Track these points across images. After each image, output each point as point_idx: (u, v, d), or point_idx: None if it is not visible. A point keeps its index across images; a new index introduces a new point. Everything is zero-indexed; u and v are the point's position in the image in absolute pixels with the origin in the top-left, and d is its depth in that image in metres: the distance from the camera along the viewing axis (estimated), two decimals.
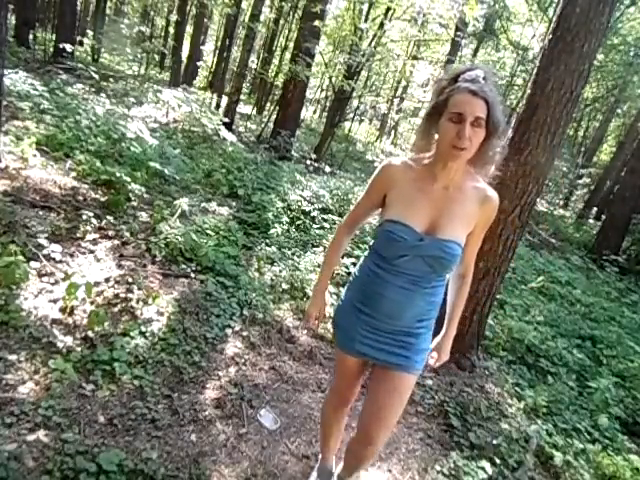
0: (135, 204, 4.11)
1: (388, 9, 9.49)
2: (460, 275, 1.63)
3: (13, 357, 2.11)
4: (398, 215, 1.44)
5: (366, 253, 1.61)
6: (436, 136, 1.40)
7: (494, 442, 2.51)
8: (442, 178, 1.43)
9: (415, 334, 1.53)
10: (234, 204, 5.14)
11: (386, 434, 1.61)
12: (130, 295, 2.78)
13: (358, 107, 13.58)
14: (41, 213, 3.31)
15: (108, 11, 17.13)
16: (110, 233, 3.43)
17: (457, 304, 1.64)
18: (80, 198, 3.78)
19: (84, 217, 3.38)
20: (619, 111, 17.08)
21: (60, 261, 2.87)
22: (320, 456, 2.04)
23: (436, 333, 1.67)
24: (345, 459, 1.81)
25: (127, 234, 3.48)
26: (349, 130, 14.94)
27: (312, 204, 5.31)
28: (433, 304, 1.53)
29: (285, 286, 3.62)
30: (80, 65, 7.09)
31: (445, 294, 1.63)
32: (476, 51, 17.56)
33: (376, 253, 1.52)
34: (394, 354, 1.53)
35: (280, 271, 3.82)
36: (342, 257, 4.35)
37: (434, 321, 1.59)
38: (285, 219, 4.87)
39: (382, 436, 1.59)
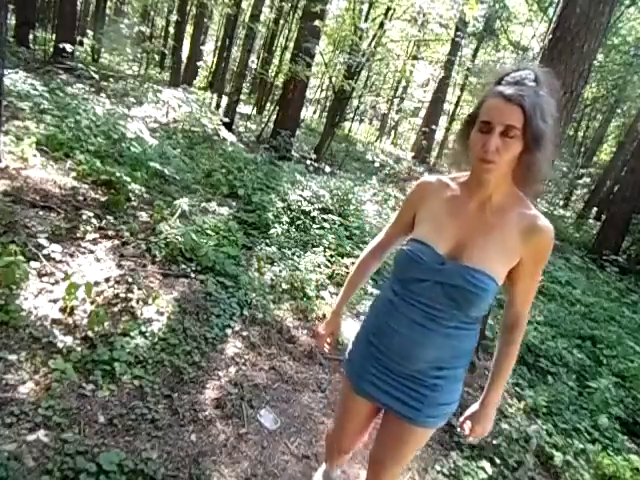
0: (135, 204, 4.11)
1: (388, 9, 9.49)
2: (508, 326, 1.35)
3: (13, 357, 2.11)
4: (422, 234, 1.28)
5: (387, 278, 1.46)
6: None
7: (494, 442, 2.51)
8: (477, 196, 1.24)
9: (431, 385, 1.29)
10: (234, 204, 5.14)
11: (393, 470, 1.48)
12: (130, 295, 2.78)
13: (358, 107, 13.58)
14: (41, 213, 3.31)
15: (108, 11, 17.14)
16: (110, 233, 3.43)
17: (500, 363, 1.35)
18: (80, 198, 3.78)
19: (84, 217, 3.38)
20: (619, 111, 17.09)
21: (60, 261, 2.87)
22: (324, 464, 1.93)
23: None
24: None
25: (127, 234, 3.48)
26: (349, 130, 14.96)
27: (312, 204, 5.31)
28: (457, 350, 1.28)
29: (285, 286, 3.62)
30: (80, 65, 7.09)
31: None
32: (476, 51, 17.60)
33: (394, 277, 1.35)
34: (403, 403, 1.33)
35: (280, 271, 3.82)
36: (342, 257, 4.35)
37: (462, 371, 1.35)
38: (285, 219, 4.87)
39: (387, 472, 1.46)
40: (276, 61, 13.16)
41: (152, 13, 19.02)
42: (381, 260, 1.54)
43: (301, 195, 5.41)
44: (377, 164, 9.16)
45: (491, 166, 1.14)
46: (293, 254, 4.25)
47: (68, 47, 7.46)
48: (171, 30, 15.97)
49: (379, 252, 1.52)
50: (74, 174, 4.17)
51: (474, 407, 1.40)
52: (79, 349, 2.30)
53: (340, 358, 2.89)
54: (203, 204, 4.72)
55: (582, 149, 18.57)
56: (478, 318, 1.29)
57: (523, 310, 1.33)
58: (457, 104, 18.33)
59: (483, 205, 1.24)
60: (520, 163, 1.17)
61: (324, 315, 3.41)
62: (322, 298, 3.62)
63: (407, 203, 1.40)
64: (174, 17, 11.84)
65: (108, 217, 3.60)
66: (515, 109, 1.10)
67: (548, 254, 1.25)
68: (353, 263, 1.57)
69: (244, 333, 2.94)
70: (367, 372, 1.38)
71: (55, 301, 2.53)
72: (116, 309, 2.66)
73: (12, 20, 9.98)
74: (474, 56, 17.57)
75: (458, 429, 1.40)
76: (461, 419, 1.42)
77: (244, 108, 13.48)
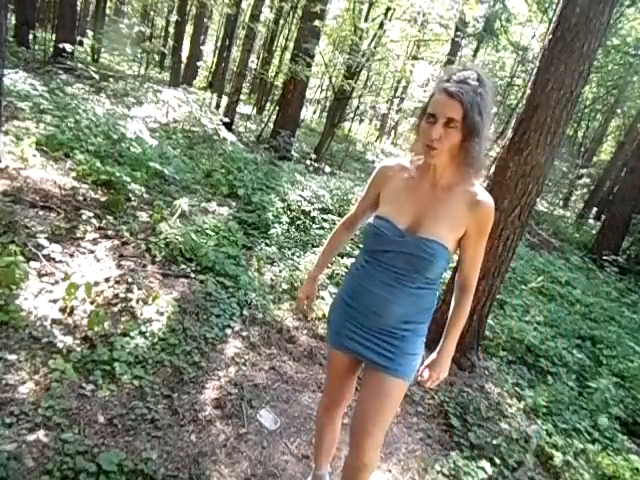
0: (135, 204, 4.11)
1: (388, 9, 9.48)
2: (460, 286, 1.57)
3: (13, 357, 2.11)
4: (384, 212, 1.48)
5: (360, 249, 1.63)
6: None
7: (494, 442, 2.51)
8: (428, 177, 1.47)
9: (400, 336, 1.50)
10: (234, 204, 5.14)
11: (374, 440, 1.53)
12: (130, 295, 2.78)
13: (358, 107, 13.58)
14: (41, 213, 3.31)
15: (108, 11, 17.13)
16: (110, 233, 3.43)
17: (454, 318, 1.56)
18: (80, 198, 3.78)
19: (84, 217, 3.38)
20: (619, 111, 17.08)
21: (60, 261, 2.87)
22: (314, 465, 1.97)
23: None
24: (342, 471, 1.71)
25: (127, 234, 3.48)
26: (349, 130, 14.95)
27: (312, 204, 5.31)
28: (421, 307, 1.50)
29: (285, 286, 3.62)
30: (80, 65, 7.09)
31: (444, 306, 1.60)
32: (476, 51, 17.59)
33: (365, 249, 1.55)
34: (378, 354, 1.51)
35: (280, 271, 3.82)
36: (342, 257, 4.36)
37: (425, 327, 1.55)
38: (285, 219, 4.87)
39: (370, 440, 1.51)
40: (276, 61, 13.15)
41: (152, 13, 19.01)
42: (352, 232, 1.78)
43: (301, 195, 5.41)
44: (377, 164, 9.15)
45: (435, 152, 1.35)
46: (293, 254, 4.25)
47: (68, 47, 7.44)
48: (171, 30, 15.97)
49: (350, 226, 1.75)
50: (74, 174, 4.17)
51: (432, 357, 1.57)
52: (79, 349, 2.30)
53: None
54: (203, 204, 4.72)
55: (582, 149, 18.56)
56: (436, 279, 1.50)
57: (471, 274, 1.54)
58: None
59: (434, 185, 1.46)
60: (461, 150, 1.36)
61: (324, 315, 3.41)
62: (322, 298, 3.61)
63: (372, 185, 1.61)
64: (174, 17, 11.83)
65: (108, 217, 3.60)
66: (456, 104, 1.29)
67: (490, 224, 1.46)
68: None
69: (244, 333, 2.94)
70: (345, 328, 1.57)
71: (55, 301, 2.53)
72: (116, 309, 2.66)
73: (12, 20, 9.97)
74: (474, 56, 17.56)
75: (418, 378, 1.57)
76: (421, 368, 1.57)
77: (244, 108, 13.48)
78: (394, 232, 1.43)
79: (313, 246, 4.52)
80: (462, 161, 1.39)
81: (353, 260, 4.38)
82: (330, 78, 10.07)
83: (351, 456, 1.59)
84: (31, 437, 1.79)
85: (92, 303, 2.62)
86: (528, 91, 3.06)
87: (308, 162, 7.68)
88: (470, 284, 1.55)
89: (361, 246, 1.64)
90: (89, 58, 12.72)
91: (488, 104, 1.34)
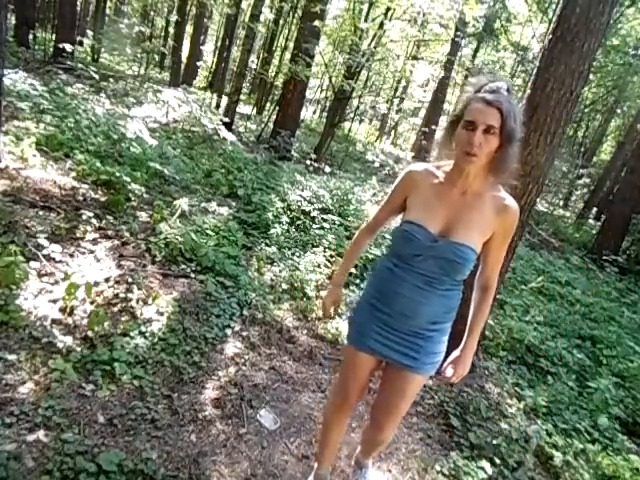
0: (135, 204, 4.11)
1: (388, 9, 9.48)
2: (481, 287, 1.63)
3: (13, 357, 2.11)
4: (415, 216, 1.50)
5: (385, 252, 1.63)
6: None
7: (494, 442, 2.51)
8: (460, 184, 1.49)
9: (426, 337, 1.55)
10: (234, 204, 5.14)
11: (394, 425, 1.75)
12: (130, 295, 2.78)
13: (358, 107, 13.57)
14: (41, 213, 3.30)
15: (108, 11, 17.13)
16: (110, 233, 3.43)
17: (477, 317, 1.63)
18: (80, 198, 3.78)
19: (84, 217, 3.38)
20: (619, 111, 17.08)
21: (60, 261, 2.87)
22: (316, 464, 1.98)
23: (455, 347, 1.65)
24: (361, 443, 2.00)
25: (127, 234, 3.48)
26: (349, 130, 14.94)
27: (312, 204, 5.31)
28: (448, 307, 1.55)
29: (285, 286, 3.62)
30: (80, 65, 7.08)
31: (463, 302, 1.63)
32: (476, 51, 17.60)
33: (393, 252, 1.58)
34: (405, 355, 1.57)
35: (280, 271, 3.82)
36: (342, 257, 4.36)
37: (449, 326, 1.60)
38: (285, 219, 4.87)
39: (390, 426, 1.73)
40: (276, 61, 13.14)
41: (152, 13, 18.99)
42: (372, 238, 1.83)
43: (301, 195, 5.40)
44: (377, 164, 9.15)
45: (474, 158, 1.38)
46: (293, 254, 4.25)
47: (68, 47, 7.43)
48: (171, 30, 15.97)
49: (372, 231, 1.78)
50: (74, 174, 4.16)
51: (455, 354, 1.63)
52: (79, 349, 2.30)
53: (340, 359, 2.89)
54: (203, 204, 4.72)
55: (582, 149, 18.55)
56: (462, 280, 1.55)
57: (493, 275, 1.61)
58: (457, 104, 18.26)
59: (465, 191, 1.49)
60: (495, 156, 1.41)
61: (324, 315, 3.40)
62: (322, 298, 3.61)
63: (398, 189, 1.61)
64: (174, 17, 11.83)
65: (108, 217, 3.60)
66: (495, 112, 1.35)
67: (514, 228, 1.53)
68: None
69: (244, 333, 2.94)
70: (371, 330, 1.60)
71: (55, 301, 2.53)
72: (116, 309, 2.66)
73: (12, 20, 9.97)
74: (474, 56, 17.58)
75: (440, 374, 1.64)
76: (445, 364, 1.63)
77: (244, 108, 13.48)
78: (427, 237, 1.46)
79: (313, 246, 4.51)
80: (495, 167, 1.43)
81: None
82: (330, 78, 10.07)
83: (372, 433, 1.82)
84: (31, 437, 1.79)
85: (92, 303, 2.62)
86: (528, 91, 3.06)
87: (308, 162, 7.68)
88: (492, 285, 1.62)
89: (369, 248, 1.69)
90: (89, 58, 12.72)
91: (519, 114, 1.40)
